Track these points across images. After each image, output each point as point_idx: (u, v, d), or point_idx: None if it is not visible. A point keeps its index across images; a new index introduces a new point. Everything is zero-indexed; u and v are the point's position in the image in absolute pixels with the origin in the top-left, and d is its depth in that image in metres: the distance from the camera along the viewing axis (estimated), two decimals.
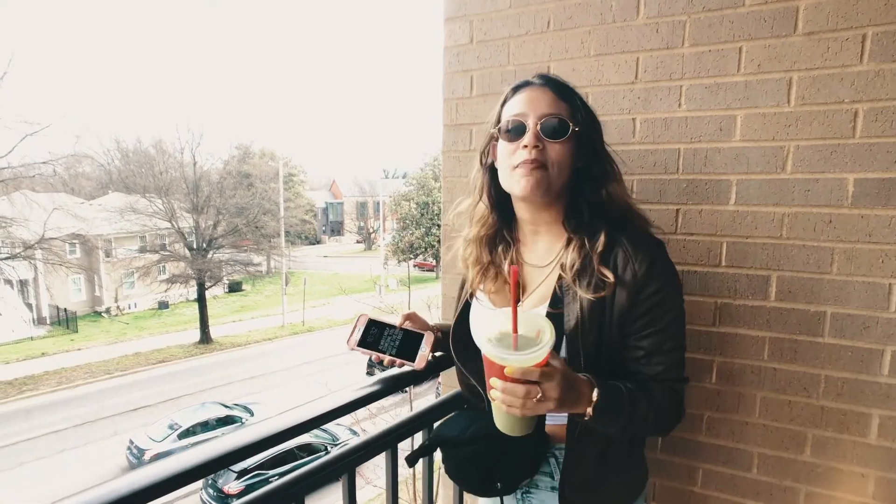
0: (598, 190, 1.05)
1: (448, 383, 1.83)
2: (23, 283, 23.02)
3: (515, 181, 1.03)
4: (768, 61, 1.32)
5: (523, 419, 0.92)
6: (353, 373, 15.86)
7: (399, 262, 31.95)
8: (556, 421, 1.09)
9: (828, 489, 1.40)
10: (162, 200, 22.19)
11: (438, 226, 31.19)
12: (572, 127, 1.02)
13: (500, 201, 1.13)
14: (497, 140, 1.08)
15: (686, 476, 1.56)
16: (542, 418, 1.04)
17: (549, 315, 1.02)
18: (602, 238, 1.01)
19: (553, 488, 1.12)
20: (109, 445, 12.85)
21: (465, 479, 1.14)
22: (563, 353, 1.02)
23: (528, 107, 1.03)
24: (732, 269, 1.42)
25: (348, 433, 10.99)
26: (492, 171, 1.12)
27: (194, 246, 22.47)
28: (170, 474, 0.90)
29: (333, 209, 55.09)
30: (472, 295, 1.20)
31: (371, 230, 50.97)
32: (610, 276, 0.99)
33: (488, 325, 0.90)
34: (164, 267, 24.31)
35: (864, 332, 1.32)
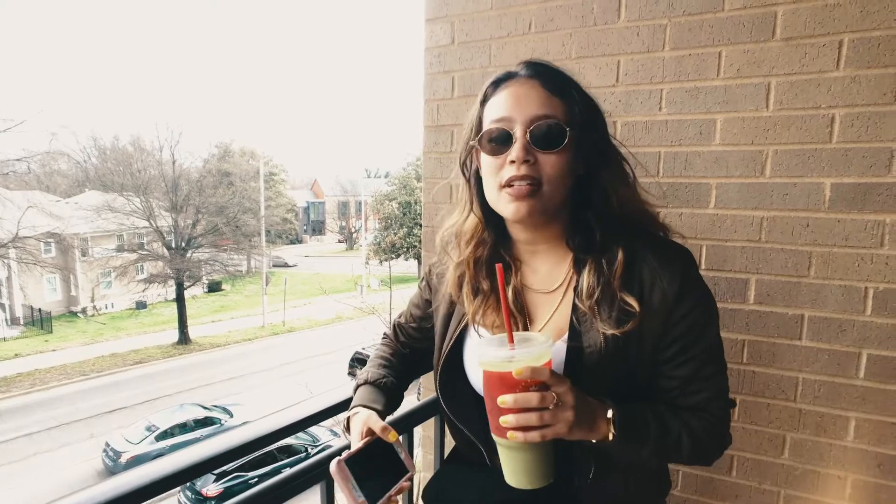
0: (607, 197, 0.88)
1: (428, 386, 1.81)
2: None
3: (504, 203, 0.86)
4: (747, 66, 1.33)
5: (544, 460, 0.78)
6: (334, 373, 15.78)
7: (381, 262, 31.85)
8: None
9: (806, 492, 1.41)
10: (140, 199, 21.80)
11: (420, 226, 31.14)
12: (569, 132, 0.83)
13: (492, 215, 0.94)
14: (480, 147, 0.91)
15: None
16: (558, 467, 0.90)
17: (569, 350, 0.87)
18: (620, 256, 0.85)
19: None
20: (85, 448, 12.59)
21: None
22: (588, 389, 0.83)
23: (513, 109, 0.85)
24: (712, 272, 1.43)
25: (329, 434, 10.91)
26: (479, 181, 0.94)
27: (173, 245, 22.12)
28: (149, 481, 0.89)
29: (315, 208, 54.74)
30: (464, 328, 1.00)
31: (353, 230, 50.74)
32: (635, 304, 0.83)
33: (477, 349, 0.79)
34: (142, 266, 23.88)
35: (841, 335, 1.33)
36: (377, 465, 0.92)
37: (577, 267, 0.90)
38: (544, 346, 0.76)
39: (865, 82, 1.23)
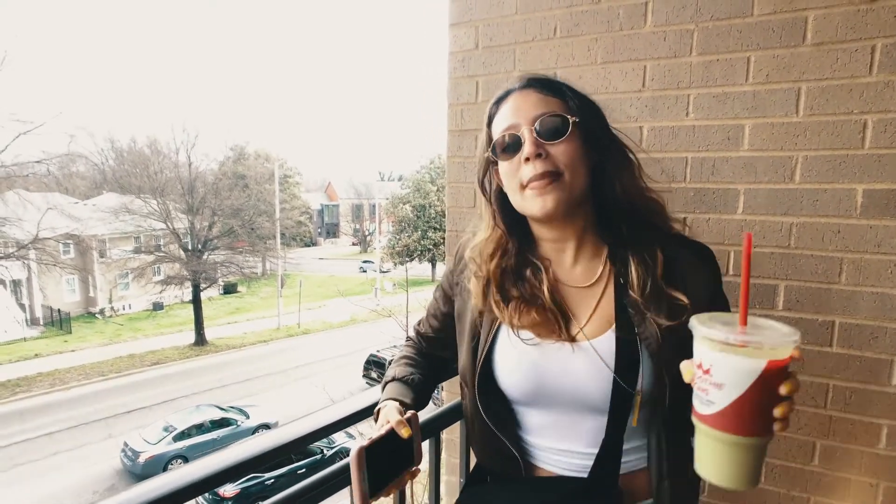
0: (612, 185, 0.92)
1: (450, 389, 1.82)
2: (16, 284, 22.83)
3: (529, 202, 0.90)
4: (777, 71, 1.32)
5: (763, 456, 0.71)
6: (349, 375, 15.85)
7: (395, 264, 31.93)
8: (630, 468, 0.95)
9: (836, 499, 1.39)
10: (157, 201, 22.12)
11: (435, 228, 31.30)
12: (571, 119, 0.88)
13: (515, 225, 0.99)
14: (496, 163, 0.96)
15: None
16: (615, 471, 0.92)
17: (620, 341, 0.90)
18: (660, 252, 0.91)
19: None
20: (104, 448, 12.78)
21: None
22: (647, 379, 0.88)
23: (516, 115, 0.91)
24: (740, 278, 1.42)
25: (344, 436, 10.96)
26: (499, 196, 0.99)
27: (189, 247, 22.41)
28: (173, 489, 0.88)
29: (329, 211, 55.09)
30: (496, 335, 1.00)
31: (367, 232, 50.93)
32: (684, 298, 0.87)
33: (705, 328, 0.68)
34: (158, 268, 24.22)
35: (873, 342, 1.31)
36: (391, 453, 0.93)
37: (614, 260, 0.93)
38: (785, 325, 0.69)
39: None
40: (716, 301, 0.92)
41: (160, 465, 11.43)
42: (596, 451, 0.92)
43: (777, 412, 0.66)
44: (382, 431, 0.92)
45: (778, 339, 0.65)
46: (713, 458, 0.70)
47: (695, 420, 0.71)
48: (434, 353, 1.20)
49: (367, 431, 0.97)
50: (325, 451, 10.97)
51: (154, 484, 0.88)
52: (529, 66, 1.62)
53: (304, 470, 10.19)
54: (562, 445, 0.96)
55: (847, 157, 1.28)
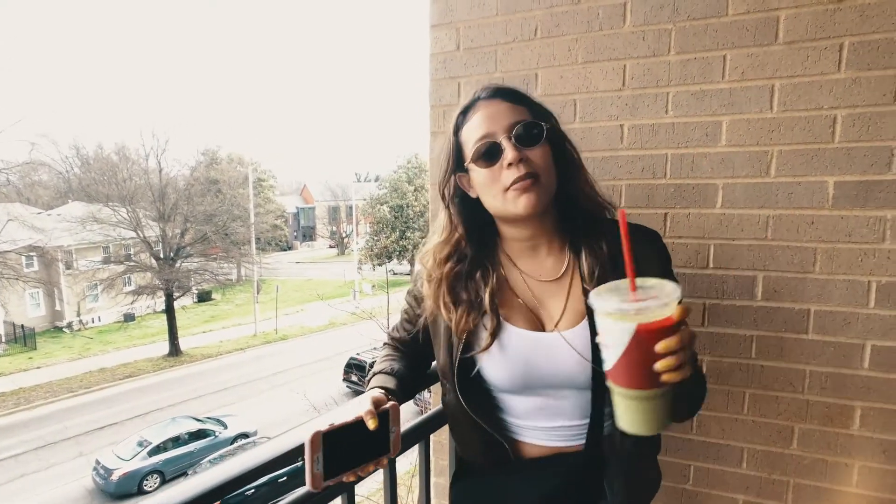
0: (576, 180, 1.02)
1: (438, 391, 1.83)
2: None
3: (513, 203, 0.95)
4: (751, 69, 1.37)
5: (670, 404, 0.78)
6: (328, 380, 15.70)
7: (374, 266, 31.74)
8: (609, 430, 1.01)
9: (814, 480, 1.45)
10: (126, 209, 21.54)
11: (413, 229, 31.24)
12: (544, 126, 0.96)
13: (475, 230, 1.06)
14: (464, 171, 1.01)
15: (678, 474, 1.59)
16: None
17: (593, 329, 0.96)
18: (607, 238, 0.99)
19: None
20: (74, 467, 12.41)
21: None
22: None
23: (490, 124, 0.96)
24: (720, 270, 1.46)
25: None
26: (460, 201, 1.05)
27: (161, 255, 21.89)
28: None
29: (305, 214, 54.52)
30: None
31: (344, 235, 50.55)
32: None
33: (598, 299, 0.75)
34: (129, 278, 23.57)
35: (846, 328, 1.37)
36: (361, 441, 0.93)
37: (575, 251, 1.03)
38: (672, 283, 0.77)
39: (866, 84, 1.27)
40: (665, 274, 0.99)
41: (135, 481, 11.15)
42: (585, 421, 1.01)
43: (657, 366, 0.72)
44: (349, 419, 0.92)
45: (653, 304, 0.73)
46: (618, 410, 0.79)
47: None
48: (414, 353, 1.22)
49: None
50: None
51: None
52: (511, 67, 1.64)
53: (284, 479, 10.05)
54: (552, 423, 1.03)
55: (819, 151, 1.34)
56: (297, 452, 1.04)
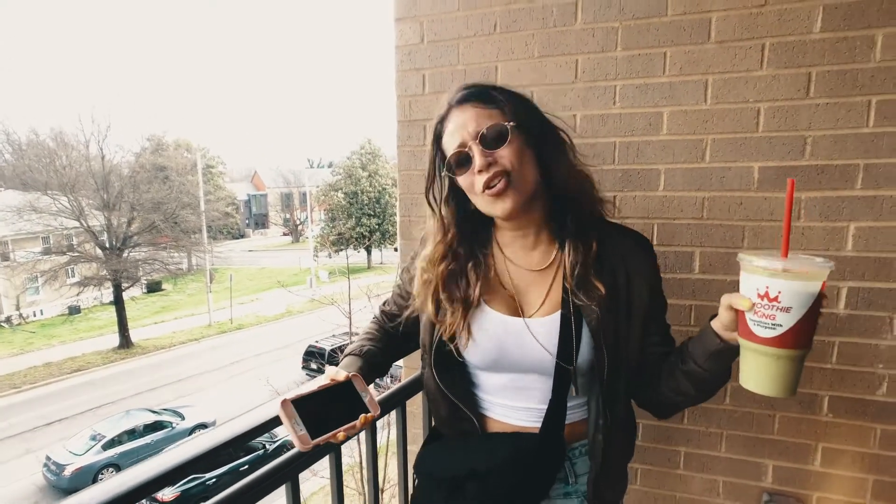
0: (558, 168, 1.02)
1: (409, 365, 1.94)
2: None
3: (489, 206, 1.01)
4: (688, 65, 1.52)
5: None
6: (287, 369, 15.56)
7: (329, 254, 31.40)
8: (571, 419, 1.09)
9: (743, 431, 1.64)
10: (67, 198, 20.44)
11: (369, 215, 31.03)
12: (508, 124, 0.97)
13: (466, 223, 1.10)
14: (450, 177, 1.05)
15: (667, 460, 1.75)
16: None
17: (562, 321, 1.02)
18: (595, 240, 1.03)
19: (567, 494, 1.11)
20: (22, 464, 11.90)
21: None
22: (585, 356, 1.02)
23: (462, 133, 1.00)
24: (663, 247, 1.62)
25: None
26: (450, 202, 1.09)
27: (107, 245, 20.95)
28: (109, 498, 0.82)
29: (257, 201, 53.08)
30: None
31: (298, 222, 49.61)
32: (601, 287, 1.01)
33: (785, 262, 0.77)
34: (73, 269, 22.49)
35: None
36: (335, 407, 1.01)
37: (562, 248, 1.06)
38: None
39: (783, 80, 1.44)
40: (657, 286, 1.08)
41: (89, 476, 10.82)
42: (545, 406, 1.07)
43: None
44: (314, 387, 1.01)
45: (822, 265, 0.76)
46: (770, 374, 0.79)
47: (753, 345, 0.80)
48: (398, 328, 1.29)
49: None
50: (267, 447, 10.82)
51: (86, 495, 0.82)
52: (473, 60, 1.74)
53: (246, 466, 10.00)
54: (517, 403, 1.11)
55: (745, 140, 1.50)
56: (265, 426, 1.09)
